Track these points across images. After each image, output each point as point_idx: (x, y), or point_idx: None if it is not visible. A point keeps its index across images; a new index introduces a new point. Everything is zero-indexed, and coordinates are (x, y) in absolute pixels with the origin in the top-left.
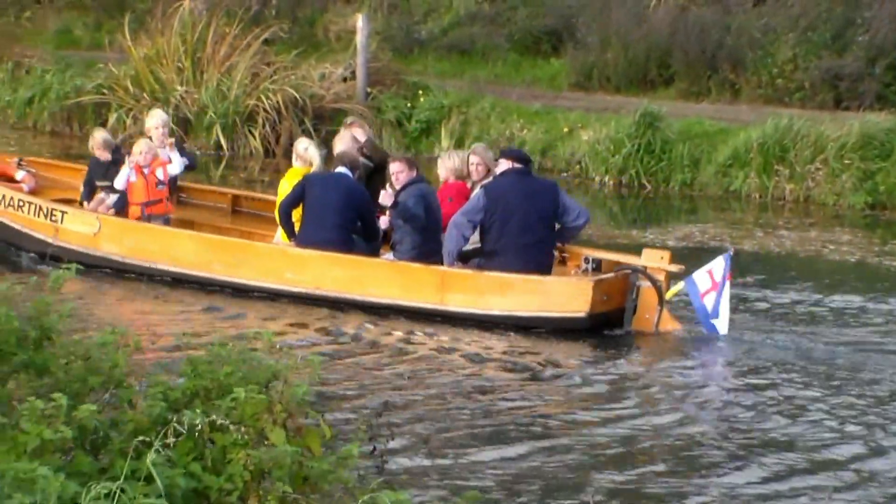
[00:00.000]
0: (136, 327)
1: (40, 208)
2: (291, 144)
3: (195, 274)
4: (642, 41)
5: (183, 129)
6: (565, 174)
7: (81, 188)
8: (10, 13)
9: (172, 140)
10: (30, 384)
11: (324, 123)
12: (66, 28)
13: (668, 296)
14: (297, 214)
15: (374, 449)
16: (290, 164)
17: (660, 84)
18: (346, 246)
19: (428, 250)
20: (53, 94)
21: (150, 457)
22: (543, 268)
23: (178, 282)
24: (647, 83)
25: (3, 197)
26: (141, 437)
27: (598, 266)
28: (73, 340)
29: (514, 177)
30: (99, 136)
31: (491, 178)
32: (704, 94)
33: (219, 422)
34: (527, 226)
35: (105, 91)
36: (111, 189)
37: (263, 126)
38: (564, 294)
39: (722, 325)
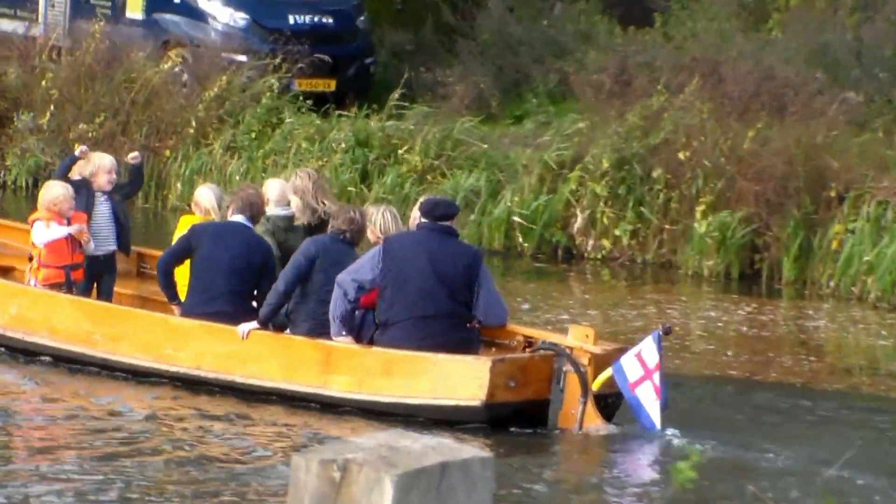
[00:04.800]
0: None
1: None
2: None
3: (73, 349)
4: None
5: None
6: None
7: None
8: None
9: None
10: None
11: None
12: None
13: (594, 386)
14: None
15: None
16: None
17: None
18: (242, 318)
19: (324, 319)
20: None
21: None
22: (452, 348)
23: (58, 359)
24: None
25: None
26: None
27: None
28: None
29: (423, 234)
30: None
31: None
32: None
33: None
34: (426, 293)
35: None
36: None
37: None
38: (456, 376)
39: (657, 417)
